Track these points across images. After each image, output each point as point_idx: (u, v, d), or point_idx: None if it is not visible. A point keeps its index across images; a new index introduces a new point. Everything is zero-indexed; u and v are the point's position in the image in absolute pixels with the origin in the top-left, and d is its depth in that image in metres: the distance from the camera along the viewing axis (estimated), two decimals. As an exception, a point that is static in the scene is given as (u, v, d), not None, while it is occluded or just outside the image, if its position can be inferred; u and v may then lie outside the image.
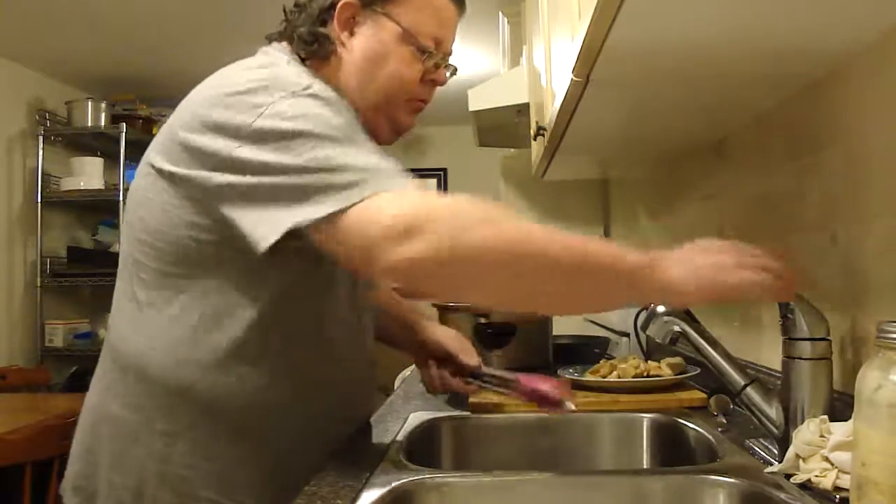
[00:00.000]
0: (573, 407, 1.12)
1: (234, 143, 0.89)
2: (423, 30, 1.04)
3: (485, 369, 1.27)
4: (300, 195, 0.85)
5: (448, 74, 1.10)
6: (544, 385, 1.13)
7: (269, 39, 1.09)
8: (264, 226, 0.86)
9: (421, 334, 1.31)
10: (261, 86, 0.92)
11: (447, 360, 1.29)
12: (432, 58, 1.06)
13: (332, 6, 1.03)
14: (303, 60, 1.04)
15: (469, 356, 1.29)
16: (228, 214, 0.90)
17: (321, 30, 1.04)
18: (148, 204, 0.97)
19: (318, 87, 0.94)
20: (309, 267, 0.97)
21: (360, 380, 1.13)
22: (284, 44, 1.06)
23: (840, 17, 0.85)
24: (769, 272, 0.84)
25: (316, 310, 1.01)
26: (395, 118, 1.07)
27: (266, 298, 0.95)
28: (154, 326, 0.96)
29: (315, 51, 1.04)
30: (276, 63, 1.01)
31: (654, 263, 0.84)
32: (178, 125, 0.95)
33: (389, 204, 0.83)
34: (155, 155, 0.98)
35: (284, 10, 1.08)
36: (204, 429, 0.96)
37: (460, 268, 0.83)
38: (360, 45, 1.03)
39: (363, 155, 0.88)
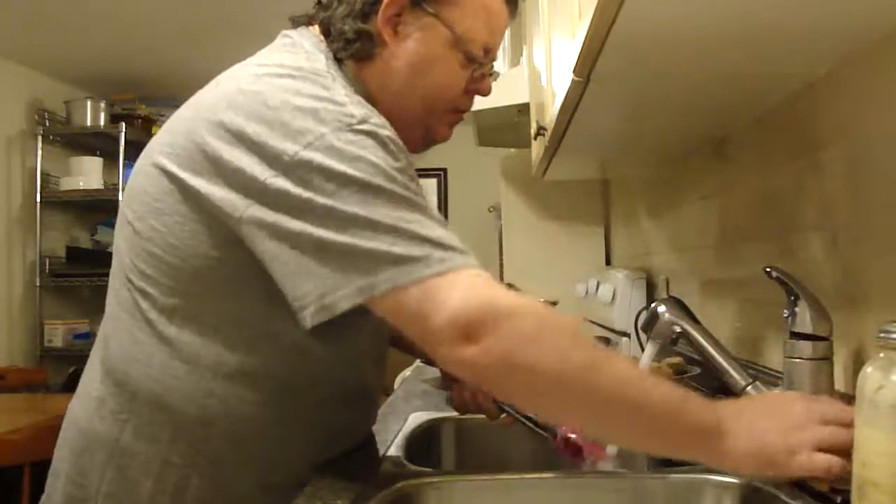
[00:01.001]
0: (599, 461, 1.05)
1: (270, 171, 0.79)
2: (475, 37, 0.96)
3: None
4: (351, 259, 0.76)
5: (492, 83, 1.02)
6: (579, 436, 1.04)
7: (295, 23, 0.99)
8: (307, 298, 0.77)
9: None
10: (309, 106, 0.81)
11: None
12: (481, 67, 0.98)
13: (378, 1, 0.92)
14: (336, 58, 0.95)
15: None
16: (260, 255, 0.81)
17: (364, 26, 0.93)
18: (158, 214, 0.88)
19: (377, 120, 0.83)
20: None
21: (375, 397, 1.08)
22: (315, 31, 0.97)
23: (840, 18, 0.85)
24: (836, 450, 0.76)
25: (349, 347, 0.94)
26: (432, 129, 1.01)
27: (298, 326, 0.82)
28: (171, 351, 0.88)
29: (355, 51, 0.94)
30: (318, 73, 0.88)
31: (722, 430, 0.77)
32: (203, 128, 0.84)
33: (457, 290, 0.75)
34: (164, 158, 0.88)
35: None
36: (226, 462, 0.90)
37: (525, 384, 0.76)
38: (404, 47, 0.94)
39: (428, 221, 0.78)
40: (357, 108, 0.83)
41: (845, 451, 0.74)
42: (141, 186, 0.91)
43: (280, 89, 0.84)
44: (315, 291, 0.77)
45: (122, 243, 0.94)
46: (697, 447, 0.79)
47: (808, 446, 0.76)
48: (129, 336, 0.91)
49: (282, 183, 0.78)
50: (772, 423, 0.78)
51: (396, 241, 0.76)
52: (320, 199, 0.77)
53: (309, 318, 0.78)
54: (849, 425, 0.73)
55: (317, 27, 0.97)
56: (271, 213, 0.79)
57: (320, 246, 0.77)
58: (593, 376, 0.76)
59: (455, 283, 0.75)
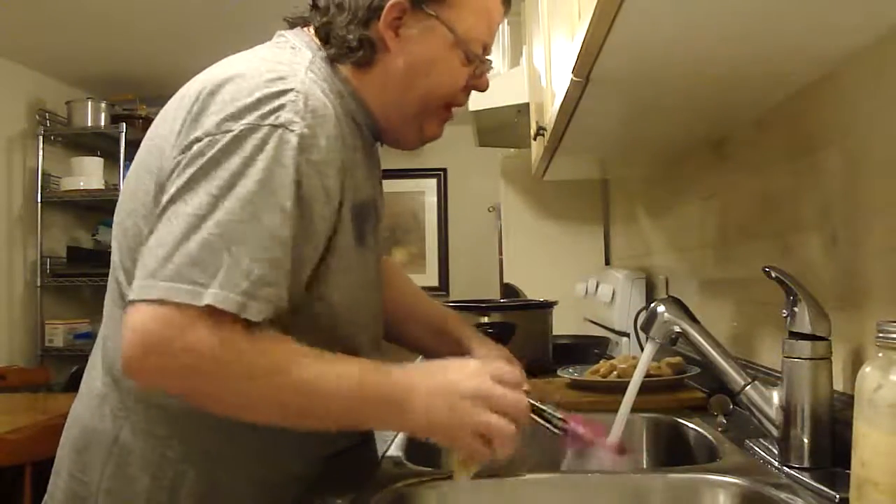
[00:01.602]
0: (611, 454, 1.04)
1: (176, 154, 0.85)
2: (475, 36, 0.97)
3: (532, 401, 1.12)
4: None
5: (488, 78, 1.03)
6: (590, 430, 1.02)
7: (291, 24, 1.00)
8: (143, 279, 0.79)
9: (470, 355, 1.17)
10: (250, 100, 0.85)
11: None
12: (480, 65, 1.00)
13: (380, 6, 0.93)
14: (331, 62, 0.96)
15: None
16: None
17: (366, 32, 0.94)
18: (143, 212, 0.91)
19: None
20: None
21: None
22: (310, 33, 0.98)
23: (839, 18, 0.85)
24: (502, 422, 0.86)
25: (342, 336, 0.96)
26: (425, 126, 1.02)
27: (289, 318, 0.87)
28: None
29: (358, 58, 0.95)
30: (294, 73, 0.89)
31: (403, 401, 0.86)
32: (179, 121, 0.90)
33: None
34: (148, 156, 0.93)
35: (317, 3, 0.98)
36: (221, 457, 0.92)
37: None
38: (406, 50, 0.95)
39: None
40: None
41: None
42: (130, 186, 0.94)
43: (247, 82, 0.86)
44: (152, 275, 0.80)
45: (114, 243, 0.97)
46: (383, 419, 0.88)
47: (469, 430, 0.85)
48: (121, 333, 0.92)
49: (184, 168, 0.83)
50: (442, 400, 0.86)
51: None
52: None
53: (131, 293, 0.81)
54: (518, 387, 0.88)
55: (311, 29, 0.98)
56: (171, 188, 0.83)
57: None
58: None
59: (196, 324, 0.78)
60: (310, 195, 0.85)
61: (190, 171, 0.82)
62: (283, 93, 0.85)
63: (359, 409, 0.87)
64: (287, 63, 0.91)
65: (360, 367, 0.87)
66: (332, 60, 0.96)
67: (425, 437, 0.91)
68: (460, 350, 1.17)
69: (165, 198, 0.83)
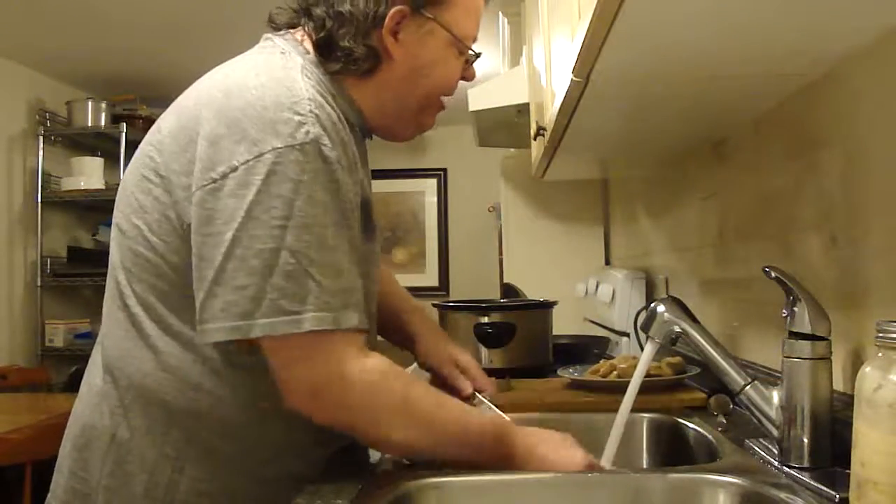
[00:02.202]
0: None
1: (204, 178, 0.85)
2: (468, 33, 1.01)
3: (477, 400, 1.21)
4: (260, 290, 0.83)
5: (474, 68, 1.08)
6: None
7: (277, 26, 1.00)
8: (211, 312, 0.84)
9: (419, 351, 1.26)
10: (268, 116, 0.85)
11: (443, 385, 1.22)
12: (471, 57, 1.04)
13: (383, 15, 0.93)
14: (326, 69, 0.95)
15: (462, 383, 1.22)
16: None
17: (369, 42, 0.95)
18: (140, 212, 0.92)
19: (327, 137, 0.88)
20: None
21: None
22: (297, 36, 0.98)
23: (839, 18, 0.85)
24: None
25: None
26: (422, 119, 1.05)
27: None
28: (159, 347, 0.92)
29: (364, 69, 0.96)
30: (294, 81, 0.90)
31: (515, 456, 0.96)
32: (182, 127, 0.92)
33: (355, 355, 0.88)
34: (147, 158, 0.94)
35: (309, 12, 0.96)
36: (218, 454, 0.93)
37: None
38: (406, 54, 0.97)
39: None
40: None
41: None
42: (128, 188, 0.96)
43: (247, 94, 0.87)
44: (221, 311, 0.86)
45: (112, 244, 0.98)
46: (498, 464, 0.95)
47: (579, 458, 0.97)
48: (121, 333, 0.94)
49: (214, 193, 0.85)
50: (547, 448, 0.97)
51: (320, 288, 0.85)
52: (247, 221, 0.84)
53: (202, 334, 0.86)
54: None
55: (300, 33, 0.98)
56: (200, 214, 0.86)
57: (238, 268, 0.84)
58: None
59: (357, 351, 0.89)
60: (351, 200, 0.90)
61: (237, 202, 0.83)
62: (298, 103, 0.86)
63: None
64: (282, 69, 0.91)
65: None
66: (335, 73, 0.96)
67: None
68: (412, 346, 1.27)
69: (214, 229, 0.84)
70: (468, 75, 1.06)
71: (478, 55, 1.05)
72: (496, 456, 0.95)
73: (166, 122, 0.95)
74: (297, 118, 0.85)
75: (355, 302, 0.88)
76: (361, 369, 0.88)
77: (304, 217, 0.83)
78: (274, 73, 0.90)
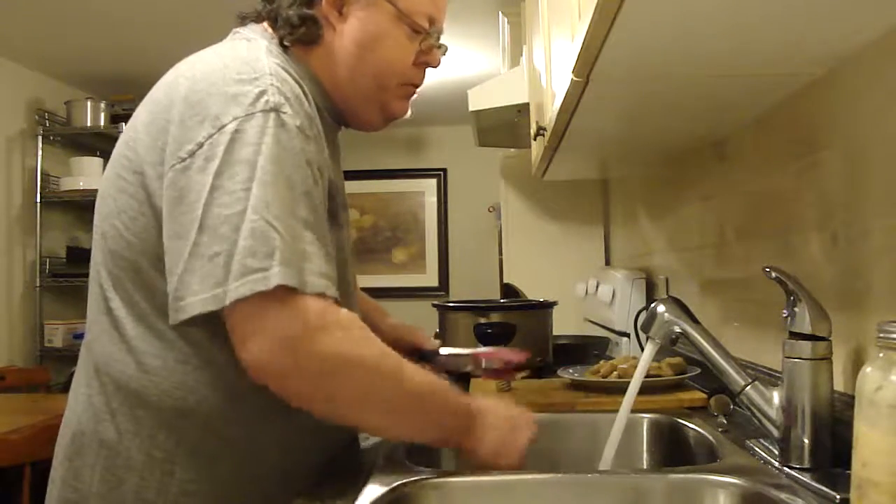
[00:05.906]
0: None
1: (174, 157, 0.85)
2: (419, 9, 0.99)
3: (442, 351, 1.33)
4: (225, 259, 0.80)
5: (441, 55, 1.06)
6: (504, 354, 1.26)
7: (244, 19, 1.02)
8: (189, 287, 0.81)
9: (380, 326, 1.25)
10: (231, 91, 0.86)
11: (411, 352, 1.26)
12: (427, 39, 1.02)
13: None
14: (284, 47, 0.98)
15: (427, 342, 1.33)
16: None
17: (308, 11, 0.97)
18: (117, 213, 0.92)
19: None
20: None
21: None
22: (264, 26, 1.00)
23: (839, 17, 0.85)
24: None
25: None
26: (387, 105, 1.04)
27: None
28: (142, 347, 0.91)
29: (301, 35, 0.97)
30: (257, 60, 0.92)
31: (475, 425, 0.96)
32: (151, 118, 0.93)
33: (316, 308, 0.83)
34: (122, 158, 0.95)
35: None
36: (207, 453, 0.92)
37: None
38: (351, 27, 0.98)
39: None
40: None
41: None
42: (105, 191, 0.97)
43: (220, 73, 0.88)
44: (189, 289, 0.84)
45: (94, 250, 0.98)
46: (454, 434, 0.96)
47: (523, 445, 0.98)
48: (105, 336, 0.94)
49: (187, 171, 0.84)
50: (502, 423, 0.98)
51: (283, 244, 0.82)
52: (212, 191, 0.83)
53: (173, 312, 0.83)
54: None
55: (266, 22, 1.00)
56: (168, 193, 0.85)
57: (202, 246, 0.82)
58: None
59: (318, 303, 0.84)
60: (314, 173, 0.89)
61: (204, 177, 0.83)
62: (258, 78, 0.87)
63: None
64: (246, 50, 0.93)
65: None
66: (281, 41, 0.98)
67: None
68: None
69: (185, 207, 0.84)
70: (431, 60, 1.04)
71: (437, 38, 1.03)
72: (457, 427, 0.96)
73: (140, 118, 0.96)
74: (256, 90, 0.86)
75: (317, 269, 0.84)
76: (329, 336, 0.84)
77: (266, 174, 0.82)
78: (238, 55, 0.92)
